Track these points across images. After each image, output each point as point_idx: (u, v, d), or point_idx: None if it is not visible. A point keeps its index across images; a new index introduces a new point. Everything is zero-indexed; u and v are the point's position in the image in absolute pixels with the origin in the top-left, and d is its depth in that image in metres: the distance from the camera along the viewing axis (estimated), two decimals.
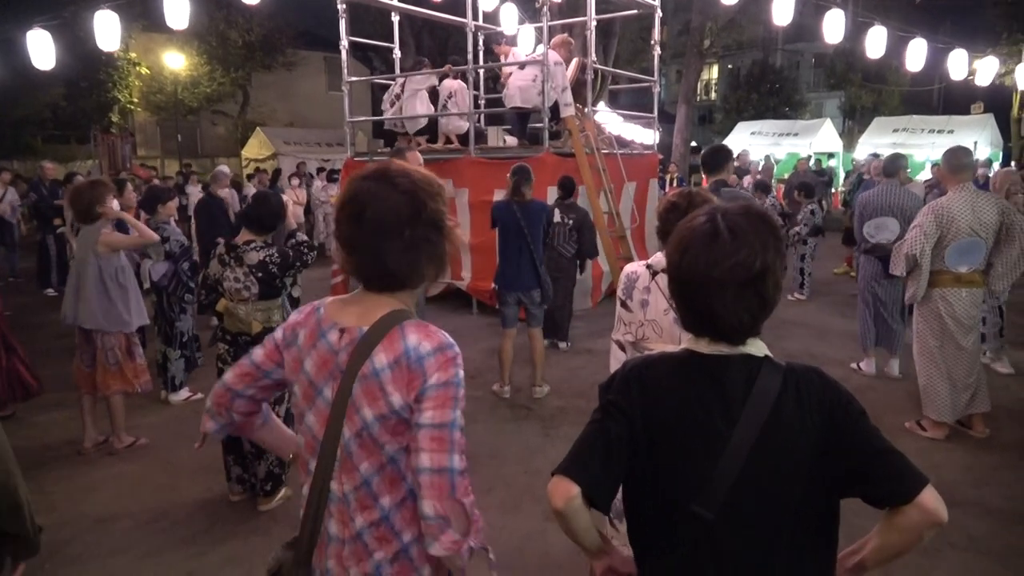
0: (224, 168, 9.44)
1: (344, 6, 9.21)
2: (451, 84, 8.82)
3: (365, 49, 19.03)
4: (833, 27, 8.20)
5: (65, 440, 4.69)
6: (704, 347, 1.34)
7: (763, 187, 9.70)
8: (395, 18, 10.27)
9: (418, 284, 1.50)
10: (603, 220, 7.95)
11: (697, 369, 1.33)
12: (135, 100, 21.28)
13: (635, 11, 10.97)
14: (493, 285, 5.65)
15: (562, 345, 6.77)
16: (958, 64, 9.26)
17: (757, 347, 1.34)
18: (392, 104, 9.25)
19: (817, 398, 1.29)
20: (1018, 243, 4.34)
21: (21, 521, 2.78)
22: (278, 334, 1.57)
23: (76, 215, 4.56)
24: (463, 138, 8.65)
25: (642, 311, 2.55)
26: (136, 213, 5.83)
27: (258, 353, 1.59)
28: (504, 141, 9.20)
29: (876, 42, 8.56)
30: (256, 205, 3.78)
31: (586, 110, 8.74)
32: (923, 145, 16.89)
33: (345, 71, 9.69)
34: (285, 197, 4.52)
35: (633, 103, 15.16)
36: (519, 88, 8.00)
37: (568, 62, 8.31)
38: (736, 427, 1.26)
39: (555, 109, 8.00)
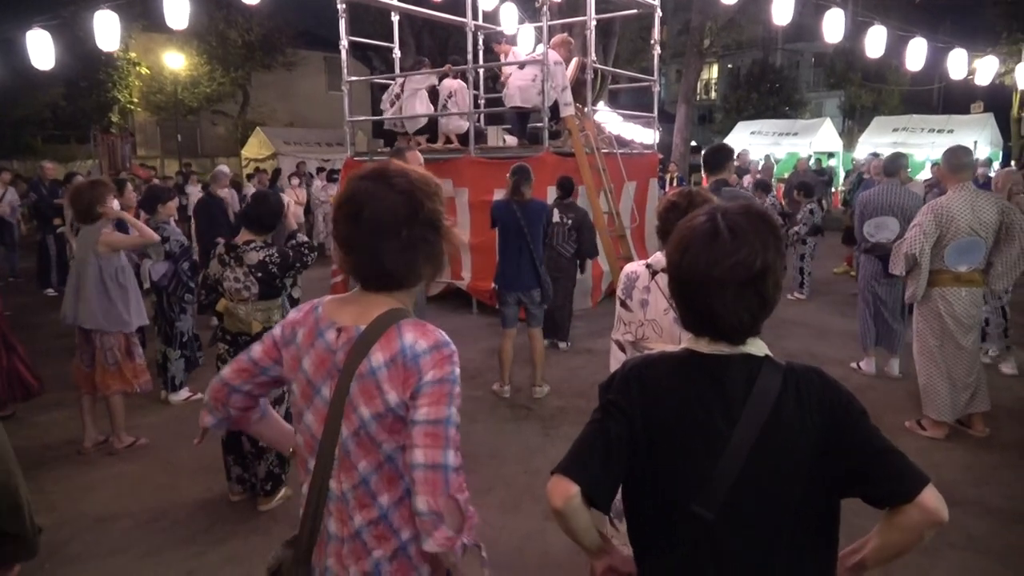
0: (224, 168, 9.45)
1: (344, 6, 9.21)
2: (451, 84, 8.82)
3: (365, 49, 19.01)
4: (833, 26, 8.20)
5: (65, 440, 4.69)
6: (704, 347, 1.34)
7: (763, 186, 9.70)
8: (395, 18, 10.27)
9: (415, 283, 1.50)
10: (603, 220, 7.95)
11: (697, 369, 1.33)
12: (135, 100, 21.29)
13: (635, 11, 10.97)
14: (493, 285, 5.65)
15: (562, 345, 6.77)
16: (958, 63, 9.26)
17: (757, 347, 1.34)
18: (392, 104, 9.25)
19: (817, 398, 1.29)
20: (1018, 242, 4.34)
21: (21, 521, 2.78)
22: (277, 331, 1.58)
23: (76, 215, 4.56)
24: (463, 138, 8.65)
25: (642, 311, 2.55)
26: (136, 213, 5.83)
27: (256, 349, 1.60)
28: (504, 141, 9.20)
29: (876, 41, 8.56)
30: (255, 205, 3.78)
31: (586, 110, 8.74)
32: (923, 144, 16.89)
33: (345, 71, 9.69)
34: (286, 197, 4.52)
35: (633, 103, 15.16)
36: (519, 88, 8.00)
37: (568, 62, 8.31)
38: (736, 427, 1.26)
39: (555, 109, 8.00)
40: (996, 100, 18.92)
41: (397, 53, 10.44)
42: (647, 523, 1.37)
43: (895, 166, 6.01)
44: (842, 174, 18.88)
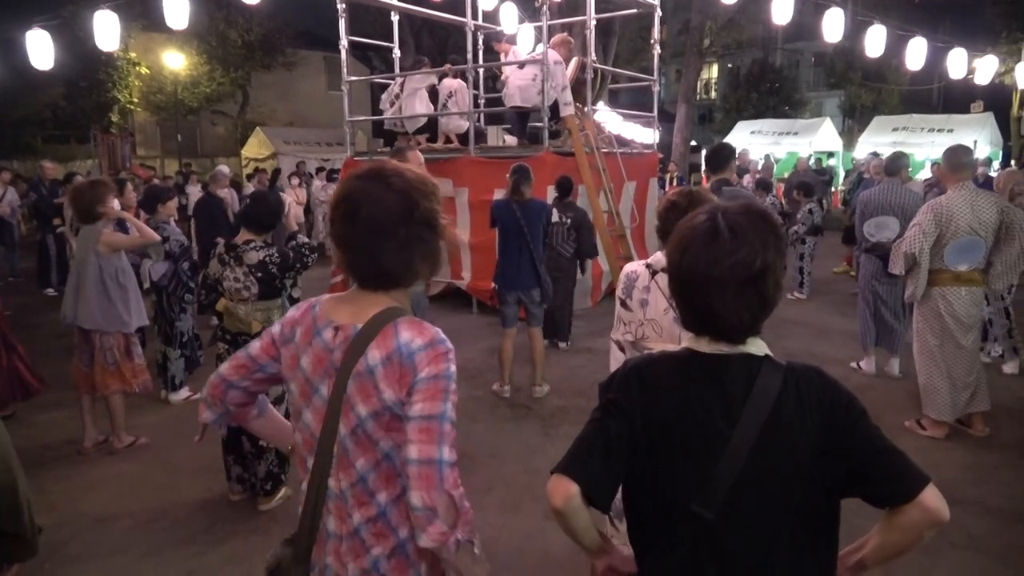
0: (224, 168, 9.45)
1: (344, 6, 9.21)
2: (451, 83, 8.82)
3: (365, 49, 19.00)
4: (832, 26, 8.20)
5: (65, 440, 4.69)
6: (704, 346, 1.34)
7: (764, 185, 9.70)
8: (395, 17, 10.26)
9: (412, 282, 1.51)
10: (603, 219, 7.95)
11: (697, 368, 1.33)
12: (135, 100, 21.29)
13: (635, 10, 10.96)
14: (493, 284, 5.65)
15: (562, 344, 6.77)
16: (957, 63, 9.26)
17: (757, 346, 1.33)
18: (391, 104, 9.25)
19: (817, 397, 1.29)
20: (1018, 242, 4.34)
21: (20, 521, 2.78)
22: (275, 329, 1.59)
23: (77, 215, 4.55)
24: (463, 137, 8.65)
25: (642, 310, 2.55)
26: (136, 213, 5.83)
27: (255, 346, 1.62)
28: (504, 140, 9.20)
29: (875, 41, 8.56)
30: (254, 204, 3.78)
31: (586, 109, 8.74)
32: (923, 144, 16.88)
33: (345, 71, 9.69)
34: (286, 198, 4.53)
35: (633, 102, 15.15)
36: (519, 87, 8.00)
37: (568, 61, 8.30)
38: (736, 426, 1.26)
39: (555, 108, 8.00)
40: (996, 99, 18.92)
41: (397, 53, 10.44)
42: (647, 522, 1.37)
43: (896, 165, 6.01)
44: (842, 174, 18.88)
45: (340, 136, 13.92)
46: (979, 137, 16.36)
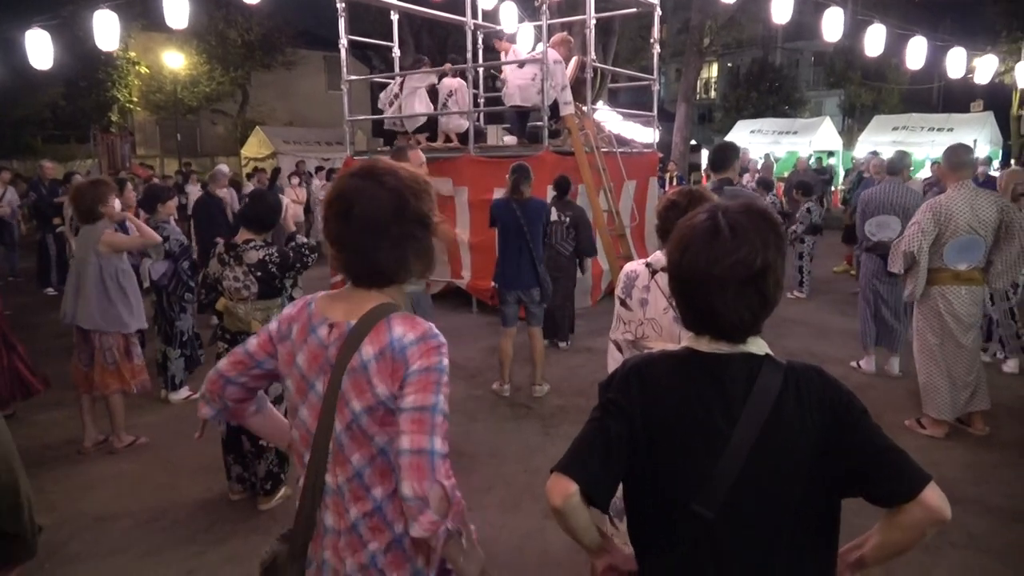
0: (223, 167, 9.44)
1: (343, 5, 9.20)
2: (451, 83, 8.82)
3: (364, 48, 19.01)
4: (832, 25, 8.19)
5: (65, 439, 4.69)
6: (704, 345, 1.33)
7: (765, 184, 9.70)
8: (394, 17, 10.25)
9: (406, 280, 1.52)
10: (603, 219, 7.95)
11: (697, 367, 1.32)
12: (134, 99, 21.28)
13: (634, 9, 10.96)
14: (493, 284, 5.65)
15: (562, 344, 6.77)
16: (957, 62, 9.25)
17: (758, 345, 1.33)
18: (390, 104, 9.25)
19: (818, 397, 1.28)
20: (1018, 241, 4.33)
21: (20, 521, 2.78)
22: (273, 326, 1.61)
23: (78, 214, 4.55)
24: (463, 137, 8.65)
25: (641, 310, 2.54)
26: (136, 212, 5.83)
27: (252, 343, 1.63)
28: (503, 140, 9.19)
29: (875, 40, 8.55)
30: (253, 204, 3.77)
31: (585, 108, 8.73)
32: (923, 143, 16.88)
33: (344, 70, 9.68)
34: (284, 199, 4.53)
35: (633, 101, 15.16)
36: (518, 87, 7.99)
37: (567, 60, 8.30)
38: (736, 426, 1.26)
39: (554, 108, 7.99)
40: (996, 99, 18.93)
41: (396, 52, 10.43)
42: (647, 522, 1.37)
43: (899, 165, 6.01)
44: (842, 173, 18.88)
45: (340, 135, 13.91)
46: (979, 136, 16.36)
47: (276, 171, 15.92)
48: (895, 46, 8.82)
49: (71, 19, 9.15)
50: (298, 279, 3.93)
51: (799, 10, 8.17)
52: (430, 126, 9.07)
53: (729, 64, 33.23)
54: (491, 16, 10.76)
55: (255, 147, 21.17)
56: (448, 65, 8.88)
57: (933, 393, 4.58)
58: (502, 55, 8.60)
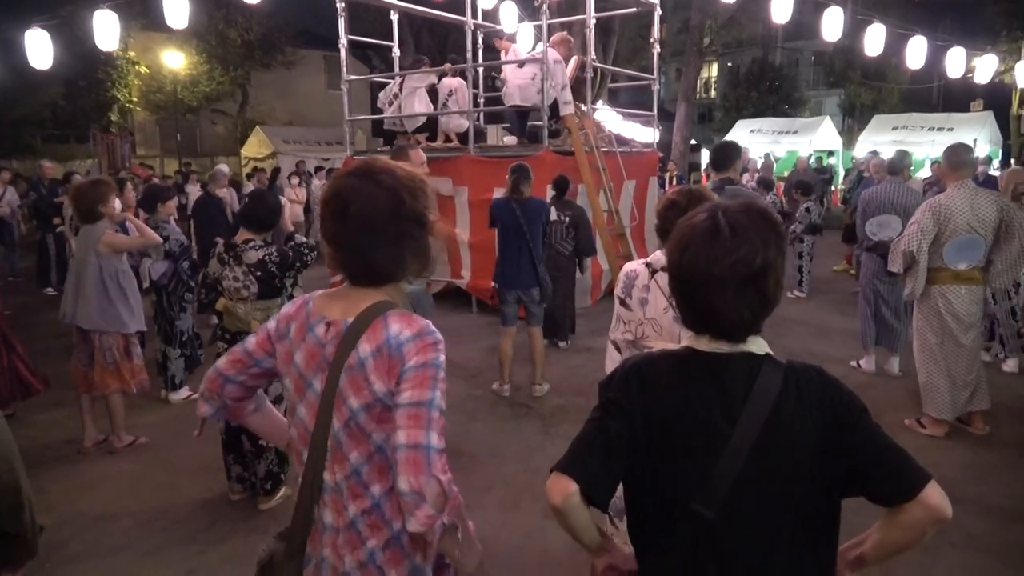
0: (223, 167, 9.44)
1: (343, 5, 9.20)
2: (451, 82, 8.82)
3: (364, 48, 18.98)
4: (832, 25, 8.20)
5: (65, 439, 4.69)
6: (704, 345, 1.33)
7: (765, 183, 9.70)
8: (394, 16, 10.25)
9: (402, 278, 1.53)
10: (603, 218, 7.95)
11: (698, 367, 1.32)
12: (134, 99, 21.27)
13: (634, 9, 10.96)
14: (493, 283, 5.65)
15: (562, 344, 6.77)
16: (957, 62, 9.25)
17: (758, 345, 1.33)
18: (390, 103, 9.25)
19: (818, 396, 1.28)
20: (1018, 240, 4.33)
21: (21, 521, 2.78)
22: (271, 324, 1.61)
23: (78, 214, 4.55)
24: (463, 136, 8.65)
25: (641, 309, 2.54)
26: (136, 212, 5.83)
27: (251, 341, 1.63)
28: (503, 140, 9.19)
29: (875, 40, 8.56)
30: (252, 204, 3.77)
31: (585, 108, 8.73)
32: (923, 143, 16.89)
33: (344, 70, 9.68)
34: (283, 199, 4.54)
35: (633, 101, 15.15)
36: (518, 86, 7.99)
37: (567, 60, 8.30)
38: (737, 425, 1.26)
39: (554, 107, 7.99)
40: (996, 98, 18.94)
41: (396, 52, 10.43)
42: (647, 521, 1.37)
43: (900, 164, 6.01)
44: (842, 172, 18.89)
45: (340, 135, 13.91)
46: (979, 136, 16.37)
47: (276, 171, 15.93)
48: (895, 46, 8.83)
49: (71, 19, 9.15)
50: (298, 278, 3.93)
51: (799, 10, 8.17)
52: (430, 126, 9.07)
53: (729, 64, 33.22)
54: (491, 16, 10.77)
55: (255, 147, 21.17)
56: (448, 65, 8.88)
57: (933, 392, 4.58)
58: (502, 54, 8.60)
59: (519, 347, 5.60)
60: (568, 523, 1.32)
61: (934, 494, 1.20)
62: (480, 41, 10.81)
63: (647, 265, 2.57)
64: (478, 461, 4.30)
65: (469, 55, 8.72)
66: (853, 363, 6.05)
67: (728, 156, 4.30)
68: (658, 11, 9.72)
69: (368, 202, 1.43)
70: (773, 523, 1.27)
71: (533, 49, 8.80)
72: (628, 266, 2.67)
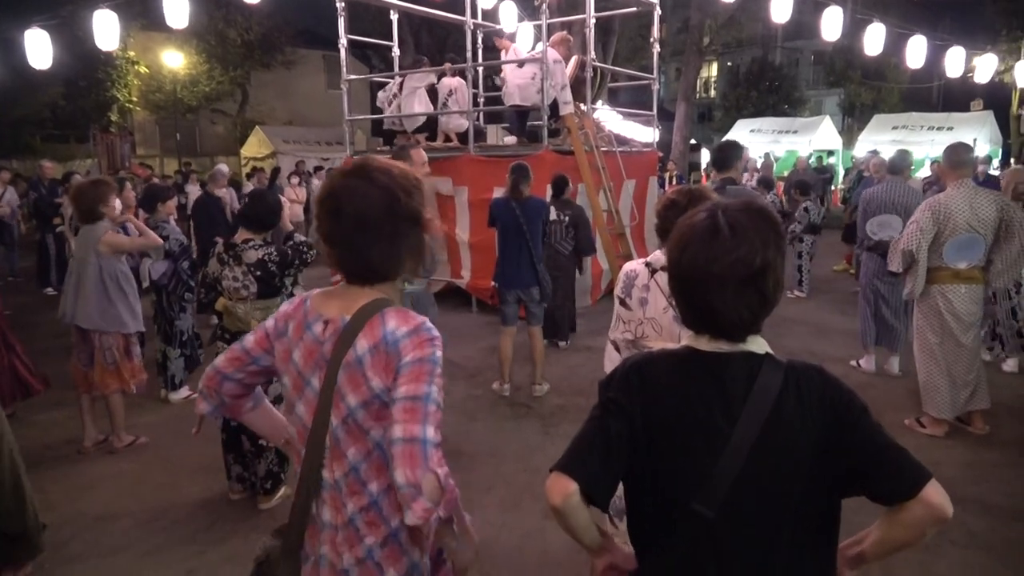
0: (222, 167, 9.44)
1: (343, 4, 9.20)
2: (451, 82, 8.82)
3: (364, 47, 19.01)
4: (832, 24, 8.20)
5: (65, 439, 4.69)
6: (704, 344, 1.33)
7: (766, 183, 9.70)
8: (394, 16, 10.25)
9: (398, 276, 1.55)
10: (602, 218, 7.95)
11: (697, 366, 1.32)
12: (134, 99, 21.27)
13: (634, 8, 10.96)
14: (492, 283, 5.65)
15: (562, 343, 6.77)
16: (957, 61, 9.25)
17: (758, 344, 1.33)
18: (389, 103, 9.25)
19: (818, 396, 1.28)
20: (1018, 239, 4.33)
21: (24, 521, 2.79)
22: (270, 323, 1.61)
23: (79, 214, 4.54)
24: (462, 136, 8.65)
25: (641, 309, 2.54)
26: (135, 212, 5.82)
27: (249, 339, 1.64)
28: (503, 139, 9.19)
29: (875, 39, 8.56)
30: (252, 204, 3.77)
31: (585, 108, 8.73)
32: (922, 142, 16.88)
33: (344, 69, 9.68)
34: (283, 198, 4.54)
35: (632, 101, 15.16)
36: (518, 86, 7.99)
37: (567, 60, 8.30)
38: (737, 425, 1.26)
39: (554, 107, 7.99)
40: (996, 98, 18.96)
41: (396, 51, 10.43)
42: (647, 521, 1.37)
43: (900, 164, 6.00)
44: (842, 172, 18.89)
45: (339, 135, 13.92)
46: (979, 135, 16.37)
47: (276, 171, 15.94)
48: (895, 45, 8.83)
49: (71, 19, 9.16)
50: (299, 277, 3.93)
51: (799, 9, 8.17)
52: (429, 126, 9.07)
53: (729, 63, 33.21)
54: (491, 15, 10.76)
55: (255, 147, 21.18)
56: (448, 65, 8.88)
57: (933, 392, 4.58)
58: (502, 53, 8.60)
59: (519, 347, 5.60)
60: (568, 523, 1.32)
61: (935, 493, 1.20)
62: (480, 41, 10.81)
63: (647, 265, 2.57)
64: (478, 461, 4.30)
65: (469, 55, 8.71)
66: (853, 363, 6.05)
67: (729, 156, 4.30)
68: (658, 11, 9.72)
69: (363, 201, 1.45)
70: (773, 522, 1.27)
71: (533, 49, 8.80)
72: (628, 266, 2.67)
